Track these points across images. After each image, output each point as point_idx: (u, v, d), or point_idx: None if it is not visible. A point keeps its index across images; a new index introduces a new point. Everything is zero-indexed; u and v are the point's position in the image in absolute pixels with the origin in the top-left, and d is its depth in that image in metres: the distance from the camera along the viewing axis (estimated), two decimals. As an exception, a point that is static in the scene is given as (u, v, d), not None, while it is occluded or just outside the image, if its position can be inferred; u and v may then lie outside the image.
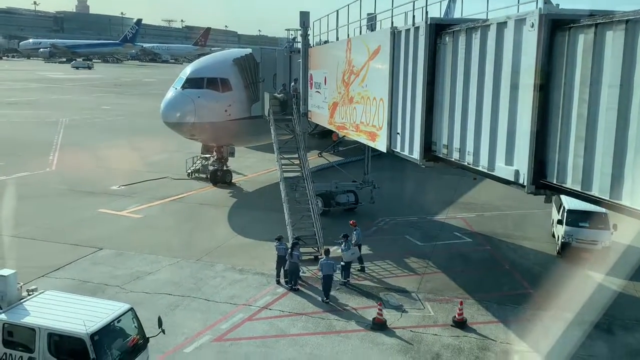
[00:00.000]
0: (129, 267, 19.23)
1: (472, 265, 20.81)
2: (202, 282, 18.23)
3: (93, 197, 27.88)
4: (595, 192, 8.71)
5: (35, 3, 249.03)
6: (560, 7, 10.10)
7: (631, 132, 7.96)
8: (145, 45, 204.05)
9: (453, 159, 12.96)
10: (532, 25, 9.65)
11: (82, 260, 19.78)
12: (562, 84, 9.37)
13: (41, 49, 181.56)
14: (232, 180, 31.37)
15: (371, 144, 18.31)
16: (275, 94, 27.11)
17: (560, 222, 21.58)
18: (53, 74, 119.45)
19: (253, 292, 17.68)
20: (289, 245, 18.75)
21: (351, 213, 26.41)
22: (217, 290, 17.69)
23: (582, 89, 8.89)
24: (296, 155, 24.47)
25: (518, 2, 11.69)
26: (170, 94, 28.51)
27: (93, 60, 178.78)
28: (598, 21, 8.57)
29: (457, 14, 28.83)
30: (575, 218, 20.97)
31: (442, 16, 31.19)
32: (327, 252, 18.26)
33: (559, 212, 22.43)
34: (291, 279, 18.09)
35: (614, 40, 8.24)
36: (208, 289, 17.69)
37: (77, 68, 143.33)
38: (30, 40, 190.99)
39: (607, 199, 8.42)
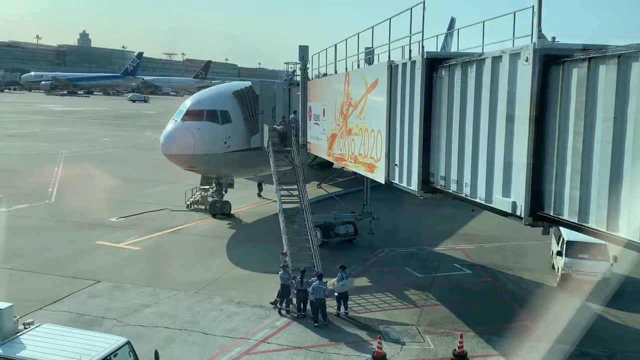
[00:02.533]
0: (126, 300, 19.08)
1: (472, 297, 20.67)
2: (199, 315, 18.08)
3: (91, 229, 27.83)
4: (592, 224, 8.75)
5: (37, 37, 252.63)
6: (556, 41, 10.27)
7: (626, 164, 8.04)
8: (146, 77, 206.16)
9: (451, 191, 13.03)
10: (527, 60, 9.82)
11: (79, 293, 19.65)
12: (557, 116, 9.50)
13: (43, 82, 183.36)
14: (231, 212, 31.37)
15: (370, 176, 18.40)
16: (275, 126, 27.33)
17: (559, 253, 21.52)
18: (54, 107, 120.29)
19: (251, 325, 17.51)
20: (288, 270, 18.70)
21: (350, 244, 26.37)
22: (215, 323, 17.52)
23: (577, 121, 9.01)
24: (295, 187, 24.53)
25: (513, 37, 11.89)
26: (170, 126, 28.74)
27: (94, 93, 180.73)
28: (591, 55, 8.74)
29: (454, 48, 29.31)
30: (574, 249, 20.91)
31: (439, 49, 31.61)
32: (319, 276, 18.24)
33: (558, 243, 22.39)
34: (300, 307, 18.23)
35: (606, 74, 8.39)
36: (205, 322, 17.53)
37: (133, 101, 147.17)
38: (32, 73, 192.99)
39: (604, 230, 8.46)
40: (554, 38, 19.90)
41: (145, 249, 25.23)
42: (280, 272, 18.74)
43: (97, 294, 19.59)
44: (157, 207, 32.43)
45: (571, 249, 20.95)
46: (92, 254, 24.23)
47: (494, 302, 20.17)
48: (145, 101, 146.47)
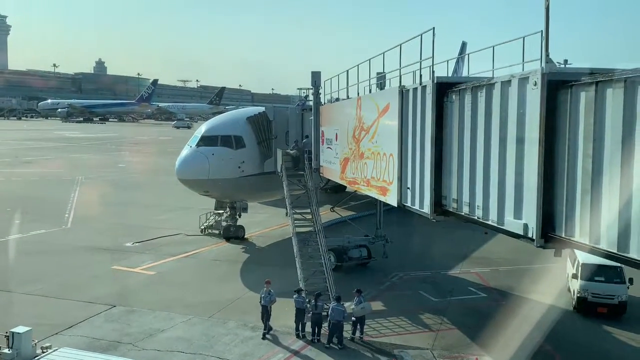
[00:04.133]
0: (142, 324, 19.21)
1: (488, 321, 20.48)
2: (214, 339, 18.15)
3: (107, 254, 28.09)
4: (603, 245, 8.80)
5: (55, 65, 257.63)
6: (568, 64, 10.46)
7: (635, 185, 8.12)
8: (161, 104, 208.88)
9: (463, 213, 13.12)
10: (535, 84, 9.99)
11: (95, 317, 19.82)
12: (566, 139, 9.63)
13: (59, 109, 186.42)
14: (245, 236, 31.53)
15: (382, 199, 18.52)
16: (288, 150, 27.62)
17: (575, 276, 21.38)
18: (70, 133, 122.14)
19: (265, 350, 17.54)
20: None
21: (364, 268, 26.37)
22: (229, 347, 17.58)
23: (586, 144, 9.13)
24: (308, 210, 24.68)
25: (523, 61, 12.07)
26: (185, 151, 29.17)
27: (109, 119, 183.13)
28: (598, 79, 8.89)
29: (465, 72, 29.57)
30: (590, 272, 20.76)
31: (451, 73, 31.96)
32: (338, 298, 18.29)
33: (573, 266, 22.23)
34: (315, 331, 18.24)
35: (614, 97, 8.53)
36: (220, 347, 17.59)
37: (177, 128, 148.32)
38: (49, 100, 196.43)
39: (615, 252, 8.50)
40: (565, 61, 19.98)
41: (160, 273, 25.42)
42: (294, 296, 18.82)
43: (112, 319, 19.75)
44: (171, 231, 32.69)
45: (586, 271, 20.80)
46: (107, 278, 24.45)
47: (509, 326, 19.96)
48: (189, 127, 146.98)
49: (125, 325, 19.17)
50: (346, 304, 18.98)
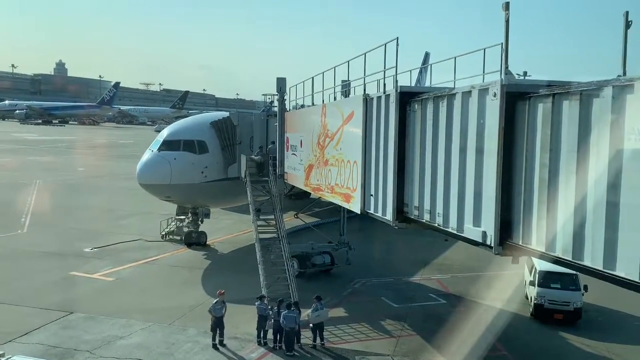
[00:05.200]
0: (100, 332, 18.80)
1: (448, 327, 20.76)
2: (174, 347, 17.89)
3: (65, 260, 27.42)
4: (558, 253, 9.04)
5: (13, 66, 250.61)
6: (527, 75, 10.73)
7: (589, 195, 8.39)
8: (123, 107, 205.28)
9: (424, 221, 13.32)
10: (495, 95, 10.24)
11: (51, 324, 19.30)
12: (524, 149, 9.89)
13: (17, 111, 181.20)
14: (207, 242, 31.23)
15: (346, 206, 18.63)
16: (252, 156, 27.53)
17: (532, 283, 21.89)
18: (28, 136, 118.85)
19: (226, 357, 17.38)
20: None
21: (327, 274, 26.43)
22: (189, 355, 17.35)
23: (543, 154, 9.39)
24: (272, 217, 24.62)
25: (483, 72, 12.36)
26: (146, 155, 28.75)
27: (69, 122, 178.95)
28: (555, 92, 9.17)
29: (428, 82, 29.98)
30: (547, 279, 21.31)
31: (415, 83, 32.33)
32: (289, 305, 18.26)
33: (531, 273, 22.76)
34: (277, 339, 18.13)
35: (570, 109, 8.80)
36: (180, 354, 17.35)
37: (159, 132, 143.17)
38: (7, 102, 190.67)
39: (570, 259, 8.75)
40: (525, 73, 20.55)
41: (119, 279, 24.94)
42: (256, 303, 18.72)
43: (69, 326, 19.27)
44: (131, 237, 32.13)
45: (543, 278, 21.34)
46: (64, 284, 23.85)
47: (468, 332, 20.29)
48: None
49: (82, 332, 18.74)
50: (306, 312, 18.99)
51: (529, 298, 22.45)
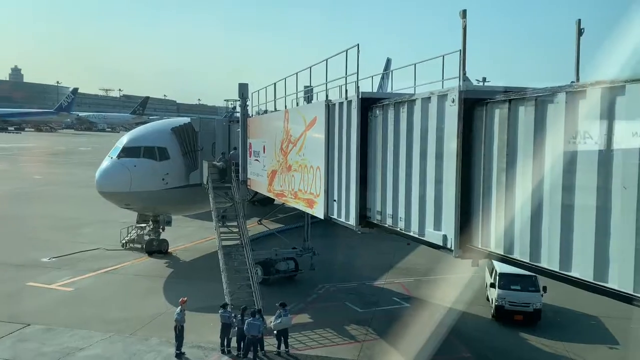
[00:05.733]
0: (59, 344, 18.30)
1: (411, 330, 20.95)
2: (135, 357, 17.55)
3: (21, 270, 26.62)
4: (516, 255, 9.24)
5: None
6: (486, 82, 10.92)
7: (545, 198, 8.60)
8: (81, 113, 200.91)
9: (387, 225, 13.42)
10: (453, 101, 10.41)
11: (7, 337, 18.69)
12: (482, 153, 10.07)
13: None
14: (169, 250, 30.78)
15: (309, 211, 18.62)
16: (214, 162, 27.29)
17: (493, 285, 22.28)
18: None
19: (189, 366, 17.15)
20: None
21: (291, 280, 26.36)
22: (152, 365, 17.05)
23: (500, 158, 9.59)
24: (235, 223, 24.44)
25: (442, 79, 12.54)
26: (105, 163, 28.20)
27: (26, 129, 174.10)
28: (511, 97, 9.38)
29: (390, 87, 30.26)
30: (507, 281, 21.71)
31: (377, 88, 32.68)
32: (253, 313, 18.14)
33: (491, 275, 23.16)
34: (240, 347, 17.97)
35: (525, 114, 9.02)
36: (142, 364, 17.03)
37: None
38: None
39: (528, 261, 8.94)
40: (484, 78, 20.92)
41: (78, 290, 24.35)
42: (220, 311, 18.53)
43: (26, 338, 18.70)
44: (91, 246, 31.43)
45: (503, 280, 21.73)
46: (21, 295, 23.16)
47: (432, 335, 20.50)
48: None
49: (40, 344, 18.21)
50: (270, 319, 18.89)
51: (490, 300, 22.85)
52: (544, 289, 21.25)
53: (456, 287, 26.02)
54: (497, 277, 21.91)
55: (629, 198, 7.06)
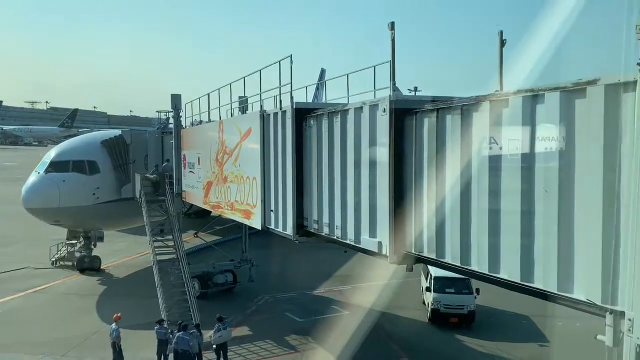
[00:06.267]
0: (-18, 370, 17.36)
1: (351, 337, 21.11)
2: (67, 379, 16.85)
3: (-61, 294, 25.08)
4: (448, 259, 9.53)
5: None
6: (418, 91, 11.21)
7: (473, 203, 8.92)
8: (5, 127, 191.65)
9: (324, 234, 13.54)
10: (384, 111, 10.67)
11: None
12: (413, 161, 10.34)
13: None
14: (102, 267, 29.78)
15: (246, 222, 18.51)
16: (147, 175, 26.67)
17: (428, 289, 22.81)
18: None
19: (125, 386, 16.62)
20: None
21: (230, 293, 26.05)
22: (85, 387, 16.42)
23: (430, 165, 9.89)
24: (170, 237, 23.96)
25: (374, 89, 12.79)
26: (32, 178, 27.04)
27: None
28: (439, 107, 9.71)
29: (324, 98, 30.54)
30: (441, 285, 22.27)
31: (312, 98, 32.76)
32: (184, 327, 17.82)
33: (427, 279, 23.70)
34: None
35: (452, 123, 9.34)
36: (74, 387, 16.37)
37: None
38: None
39: (459, 265, 9.24)
40: (415, 88, 21.43)
41: (5, 312, 23.16)
42: (156, 327, 18.07)
43: (-55, 367, 17.63)
44: (18, 265, 29.97)
45: (438, 284, 22.29)
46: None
47: (371, 341, 20.75)
48: None
49: (-39, 372, 17.20)
50: (208, 333, 18.60)
51: (426, 304, 23.36)
52: (477, 291, 21.93)
53: (393, 292, 26.41)
54: (432, 281, 22.45)
55: (550, 201, 7.42)
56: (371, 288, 27.22)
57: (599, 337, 6.77)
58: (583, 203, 7.02)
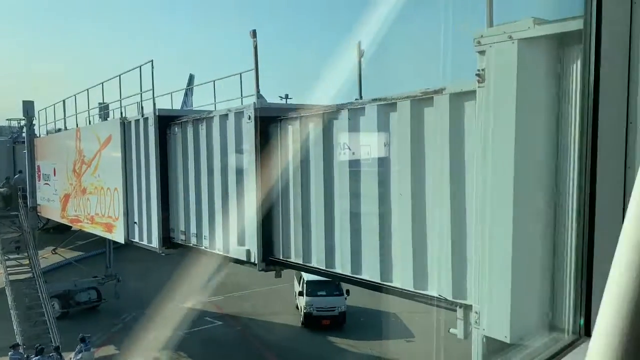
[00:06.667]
0: None
1: (224, 348, 20.87)
2: None
3: None
4: (314, 264, 9.71)
5: None
6: (289, 98, 11.31)
7: (336, 207, 9.18)
8: None
9: (192, 244, 13.22)
10: (250, 118, 10.64)
11: None
12: (279, 167, 10.41)
13: None
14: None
15: (108, 236, 17.59)
16: (-3, 189, 24.48)
17: (301, 293, 23.12)
18: None
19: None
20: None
21: (95, 311, 24.58)
22: None
23: (296, 171, 10.01)
24: (25, 255, 22.13)
25: (241, 96, 12.73)
26: None
27: None
28: (302, 114, 9.88)
29: (192, 104, 29.94)
30: (313, 288, 22.68)
31: (181, 104, 31.98)
32: (40, 350, 16.65)
33: (299, 284, 24.00)
34: None
35: (315, 130, 9.54)
36: None
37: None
38: None
39: (324, 269, 9.44)
40: (287, 95, 21.66)
41: None
42: (10, 353, 16.59)
43: None
44: None
45: (310, 288, 22.68)
46: None
47: (245, 350, 20.65)
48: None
49: None
50: (69, 355, 17.44)
51: (300, 308, 23.65)
52: (347, 292, 22.57)
53: (267, 299, 26.50)
54: (305, 285, 22.78)
55: (404, 203, 7.81)
56: (245, 296, 27.04)
57: (452, 330, 7.21)
58: (434, 205, 7.45)
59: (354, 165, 8.71)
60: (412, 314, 23.00)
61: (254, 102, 10.62)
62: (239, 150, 11.21)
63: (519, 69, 5.50)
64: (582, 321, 2.44)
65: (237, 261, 11.66)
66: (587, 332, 2.40)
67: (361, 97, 10.04)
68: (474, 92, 6.34)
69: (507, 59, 5.58)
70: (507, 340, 5.47)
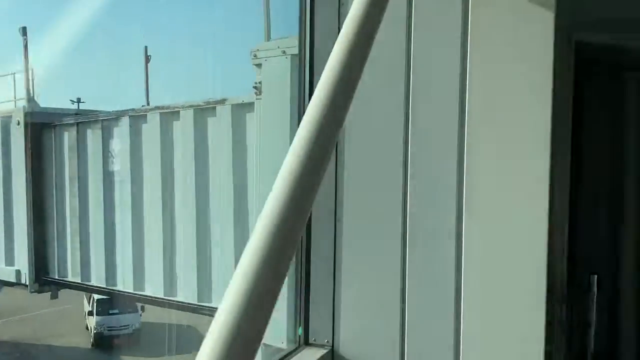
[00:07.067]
0: None
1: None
2: None
3: None
4: (94, 281, 9.11)
5: None
6: (81, 102, 10.49)
7: (117, 221, 8.71)
8: None
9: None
10: (19, 123, 9.66)
11: None
12: (54, 179, 9.61)
13: None
14: None
15: None
16: None
17: (91, 313, 21.60)
18: None
19: None
20: None
21: None
22: None
23: (72, 183, 9.32)
24: None
25: (15, 98, 11.48)
26: None
27: None
28: (79, 120, 9.26)
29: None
30: (104, 307, 21.29)
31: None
32: None
33: (89, 303, 22.38)
34: None
35: (93, 137, 8.98)
36: None
37: None
38: None
39: (105, 286, 8.90)
40: (79, 99, 20.32)
41: None
42: None
43: None
44: None
45: (101, 306, 21.28)
46: None
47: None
48: None
49: None
50: None
51: (90, 329, 22.06)
52: (142, 308, 21.57)
53: (52, 321, 24.21)
54: (95, 304, 21.33)
55: (188, 216, 7.69)
56: (27, 320, 24.39)
57: None
58: (219, 214, 7.46)
59: (136, 175, 8.37)
60: (209, 324, 22.92)
61: (24, 106, 9.68)
62: (7, 159, 10.07)
63: (292, 83, 5.74)
64: (300, 330, 2.55)
65: (6, 283, 10.46)
66: (306, 340, 2.50)
67: (148, 103, 9.75)
68: (252, 104, 6.48)
69: (282, 73, 5.79)
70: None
